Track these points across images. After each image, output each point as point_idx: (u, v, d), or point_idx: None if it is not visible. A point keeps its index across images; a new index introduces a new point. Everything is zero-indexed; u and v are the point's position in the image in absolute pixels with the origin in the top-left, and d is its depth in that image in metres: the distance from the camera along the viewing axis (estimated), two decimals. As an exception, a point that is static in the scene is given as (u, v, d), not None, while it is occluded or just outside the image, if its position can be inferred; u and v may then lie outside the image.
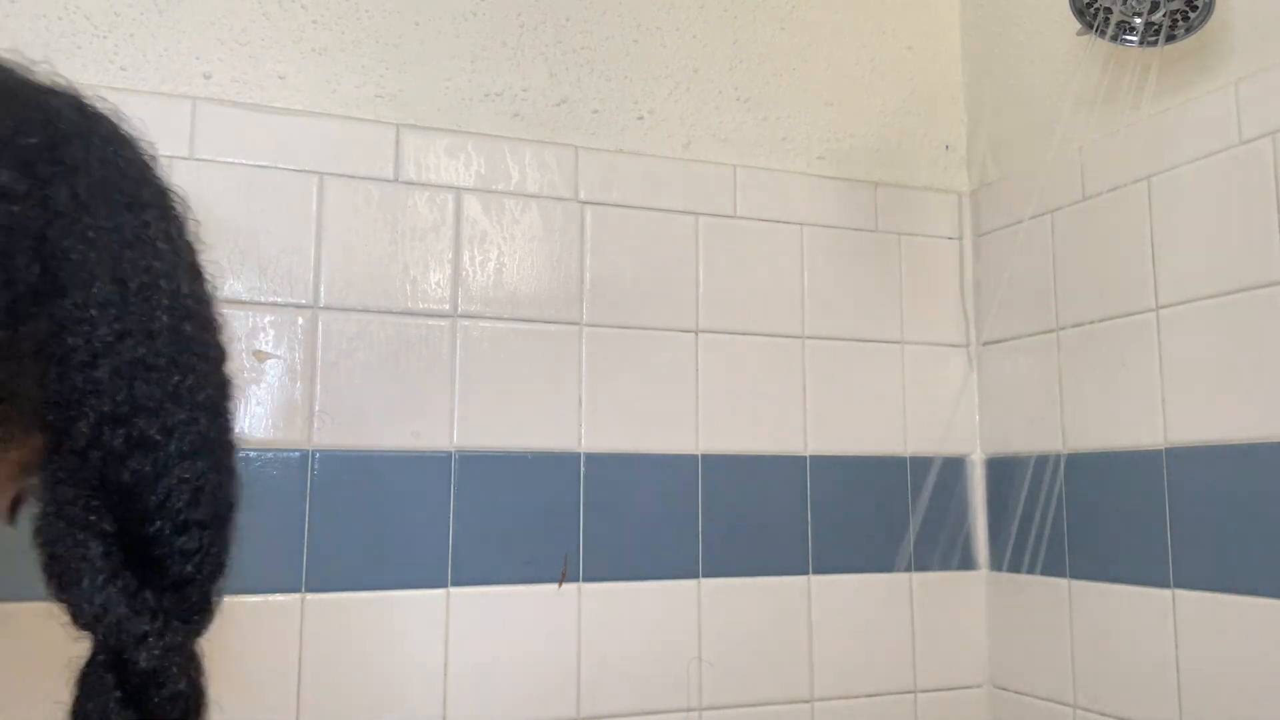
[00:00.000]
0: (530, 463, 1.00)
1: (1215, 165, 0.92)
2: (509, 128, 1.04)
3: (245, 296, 0.92)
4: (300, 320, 0.94)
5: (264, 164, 0.94)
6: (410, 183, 0.99)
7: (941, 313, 1.21)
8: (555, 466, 1.01)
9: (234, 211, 0.93)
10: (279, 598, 0.90)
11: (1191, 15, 0.90)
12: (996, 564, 1.16)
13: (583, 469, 1.02)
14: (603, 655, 1.01)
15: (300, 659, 0.90)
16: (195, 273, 0.47)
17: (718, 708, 1.05)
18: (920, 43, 1.25)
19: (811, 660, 1.09)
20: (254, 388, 0.92)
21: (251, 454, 0.91)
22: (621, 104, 1.10)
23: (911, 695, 1.13)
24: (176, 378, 0.43)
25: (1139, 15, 0.92)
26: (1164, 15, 0.91)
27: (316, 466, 0.92)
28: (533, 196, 1.04)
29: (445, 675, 0.95)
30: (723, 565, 1.06)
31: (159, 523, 0.43)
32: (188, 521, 0.43)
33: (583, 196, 1.06)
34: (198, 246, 0.47)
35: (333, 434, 0.93)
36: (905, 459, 1.16)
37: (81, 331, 0.41)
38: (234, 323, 0.91)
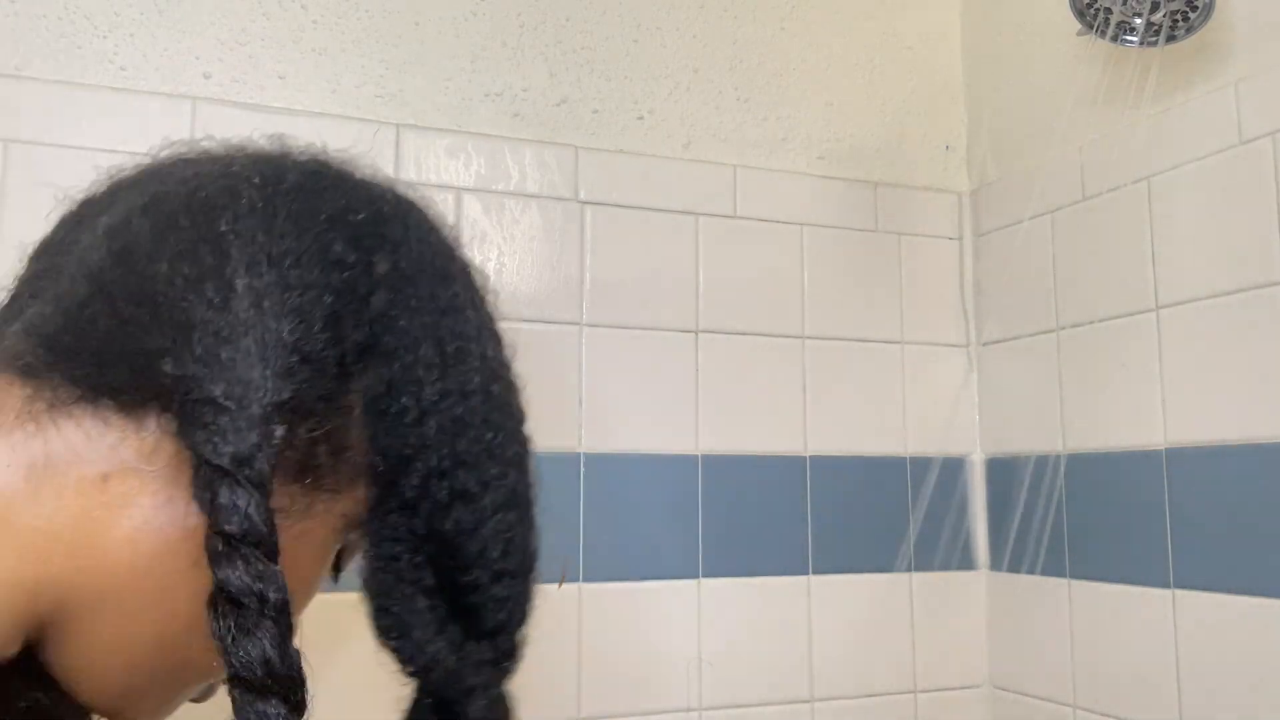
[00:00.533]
0: (530, 463, 1.00)
1: (1215, 165, 0.92)
2: (509, 128, 1.04)
3: (245, 296, 0.92)
4: (300, 320, 0.94)
5: (264, 164, 0.94)
6: (410, 182, 0.99)
7: (941, 313, 1.21)
8: (555, 467, 1.01)
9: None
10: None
11: (1191, 15, 0.90)
12: (996, 564, 1.16)
13: (582, 469, 1.02)
14: (602, 656, 1.01)
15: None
16: (498, 339, 0.50)
17: (718, 708, 1.05)
18: (920, 43, 1.25)
19: (811, 660, 1.09)
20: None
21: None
22: (621, 104, 1.10)
23: (911, 695, 1.13)
24: (489, 434, 0.47)
25: (1139, 15, 0.92)
26: (1164, 15, 0.91)
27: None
28: (533, 196, 1.04)
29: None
30: (723, 565, 1.06)
31: (476, 572, 0.46)
32: (501, 571, 0.47)
33: (583, 196, 1.06)
34: (497, 315, 0.51)
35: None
36: (905, 459, 1.16)
37: (411, 391, 0.45)
38: (234, 323, 0.91)
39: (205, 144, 0.51)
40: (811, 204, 1.15)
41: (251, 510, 0.38)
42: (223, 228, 0.43)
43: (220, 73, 0.95)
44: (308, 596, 0.46)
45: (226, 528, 0.38)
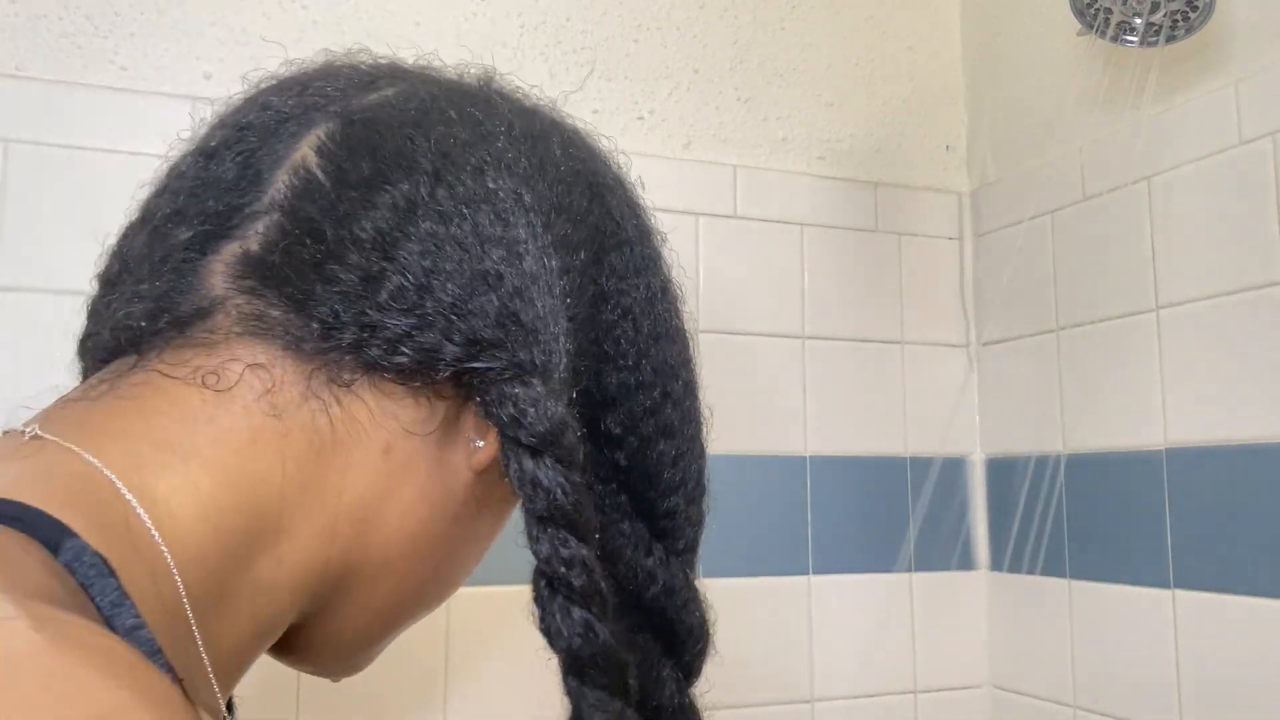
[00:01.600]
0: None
1: (1215, 165, 0.92)
2: (509, 128, 1.04)
3: (245, 296, 0.92)
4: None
5: (264, 164, 0.94)
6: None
7: (941, 313, 1.21)
8: (555, 466, 1.01)
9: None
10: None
11: (1191, 15, 0.90)
12: (996, 564, 1.16)
13: (583, 469, 1.02)
14: (603, 655, 1.01)
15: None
16: (673, 280, 0.53)
17: (718, 708, 1.04)
18: (920, 43, 1.25)
19: (811, 660, 1.09)
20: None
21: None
22: (621, 104, 1.10)
23: (912, 695, 1.13)
24: (685, 373, 0.51)
25: (1139, 15, 0.92)
26: (1164, 15, 0.91)
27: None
28: (533, 196, 1.04)
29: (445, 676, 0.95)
30: (723, 565, 1.06)
31: (674, 498, 0.50)
32: (694, 495, 0.50)
33: (583, 196, 1.06)
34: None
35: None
36: (905, 459, 1.16)
37: (627, 334, 0.48)
38: (234, 323, 0.91)
39: (358, 62, 0.49)
40: (811, 204, 1.15)
41: (560, 490, 0.39)
42: (490, 185, 0.42)
43: (220, 73, 0.95)
44: None
45: (534, 507, 0.39)
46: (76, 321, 0.82)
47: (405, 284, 0.39)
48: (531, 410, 0.39)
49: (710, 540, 1.05)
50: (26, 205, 0.86)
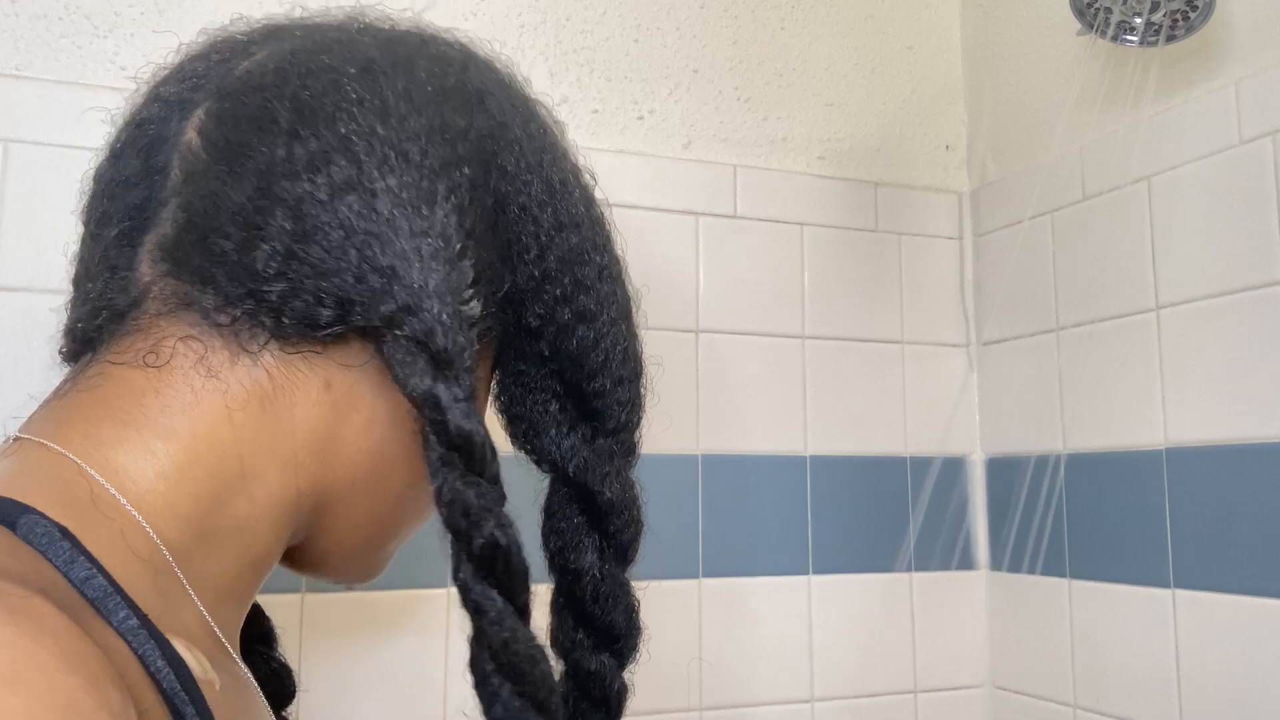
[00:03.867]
0: (530, 464, 1.00)
1: (1215, 165, 0.92)
2: (509, 128, 1.04)
3: (245, 296, 0.92)
4: (300, 320, 0.94)
5: (264, 164, 0.94)
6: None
7: (941, 313, 1.21)
8: (555, 466, 1.01)
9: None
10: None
11: (1191, 15, 0.90)
12: (996, 564, 1.16)
13: (583, 469, 1.02)
14: (603, 655, 1.01)
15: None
16: (578, 166, 0.54)
17: (718, 708, 1.05)
18: (920, 43, 1.25)
19: (811, 660, 1.09)
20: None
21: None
22: (621, 104, 1.10)
23: (911, 695, 1.13)
24: (598, 258, 0.51)
25: (1139, 15, 0.92)
26: (1164, 15, 0.91)
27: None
28: (533, 196, 1.04)
29: (447, 675, 0.95)
30: (723, 565, 1.06)
31: (600, 380, 0.51)
32: (621, 377, 0.52)
33: (583, 196, 1.06)
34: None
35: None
36: (905, 459, 1.16)
37: (530, 231, 0.48)
38: (234, 323, 0.91)
39: (238, 29, 0.51)
40: (811, 204, 1.15)
41: (455, 412, 0.41)
42: (342, 130, 0.43)
43: (220, 73, 0.95)
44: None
45: (431, 455, 0.41)
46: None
47: (274, 251, 0.42)
48: (410, 364, 0.41)
49: (711, 540, 1.06)
50: (26, 205, 0.86)
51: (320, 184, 0.42)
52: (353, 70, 0.46)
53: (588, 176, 0.54)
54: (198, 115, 0.46)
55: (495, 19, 1.06)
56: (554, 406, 0.52)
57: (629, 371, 0.52)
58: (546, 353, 0.51)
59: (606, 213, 0.56)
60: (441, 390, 0.40)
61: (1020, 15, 1.18)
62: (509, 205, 0.48)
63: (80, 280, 0.48)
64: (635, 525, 0.54)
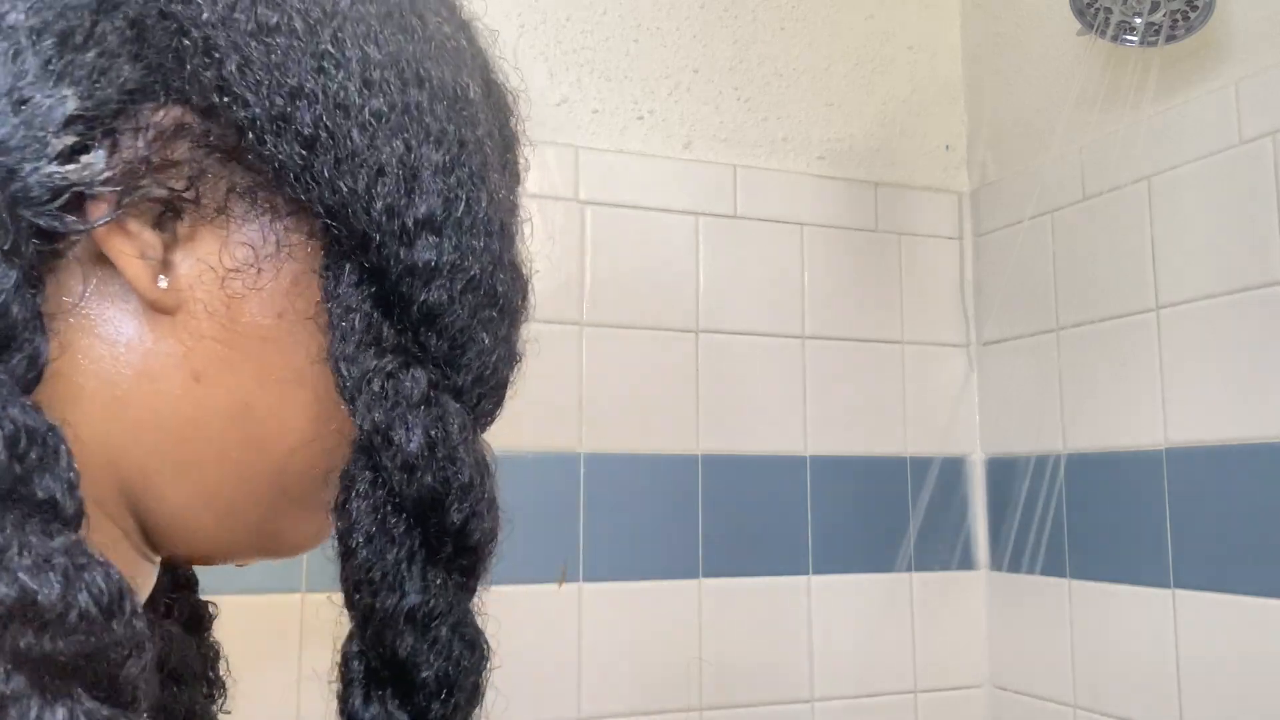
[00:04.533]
0: (530, 463, 1.00)
1: (1215, 165, 0.92)
2: (509, 128, 1.04)
3: (245, 296, 0.92)
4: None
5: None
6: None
7: (941, 313, 1.21)
8: (555, 467, 1.01)
9: None
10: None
11: (1191, 15, 0.90)
12: (996, 564, 1.16)
13: (583, 470, 1.02)
14: (603, 656, 1.01)
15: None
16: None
17: (718, 708, 1.05)
18: (920, 42, 1.25)
19: (811, 660, 1.09)
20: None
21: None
22: (621, 104, 1.10)
23: (912, 695, 1.13)
24: (393, 81, 0.34)
25: (1139, 15, 0.92)
26: (1164, 15, 0.91)
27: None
28: (533, 196, 1.03)
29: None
30: (723, 565, 1.06)
31: (380, 234, 0.33)
32: (410, 225, 0.34)
33: (583, 196, 1.06)
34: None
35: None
36: (905, 459, 1.16)
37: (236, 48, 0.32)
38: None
39: None
40: (811, 204, 1.15)
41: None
42: None
43: (220, 73, 0.95)
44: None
45: None
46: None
47: None
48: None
49: (711, 540, 1.06)
50: (26, 205, 0.86)
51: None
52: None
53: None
54: None
55: (495, 19, 1.05)
56: (356, 312, 0.33)
57: (422, 215, 0.34)
58: (338, 236, 0.33)
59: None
60: None
61: (1020, 15, 1.18)
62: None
63: None
64: (467, 500, 0.34)
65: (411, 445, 0.33)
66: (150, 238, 0.32)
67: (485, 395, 0.36)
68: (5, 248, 0.28)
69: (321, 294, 0.34)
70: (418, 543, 0.34)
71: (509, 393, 0.38)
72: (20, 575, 0.25)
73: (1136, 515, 0.97)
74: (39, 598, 0.25)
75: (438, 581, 0.34)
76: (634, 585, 1.03)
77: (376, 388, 0.33)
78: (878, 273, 1.18)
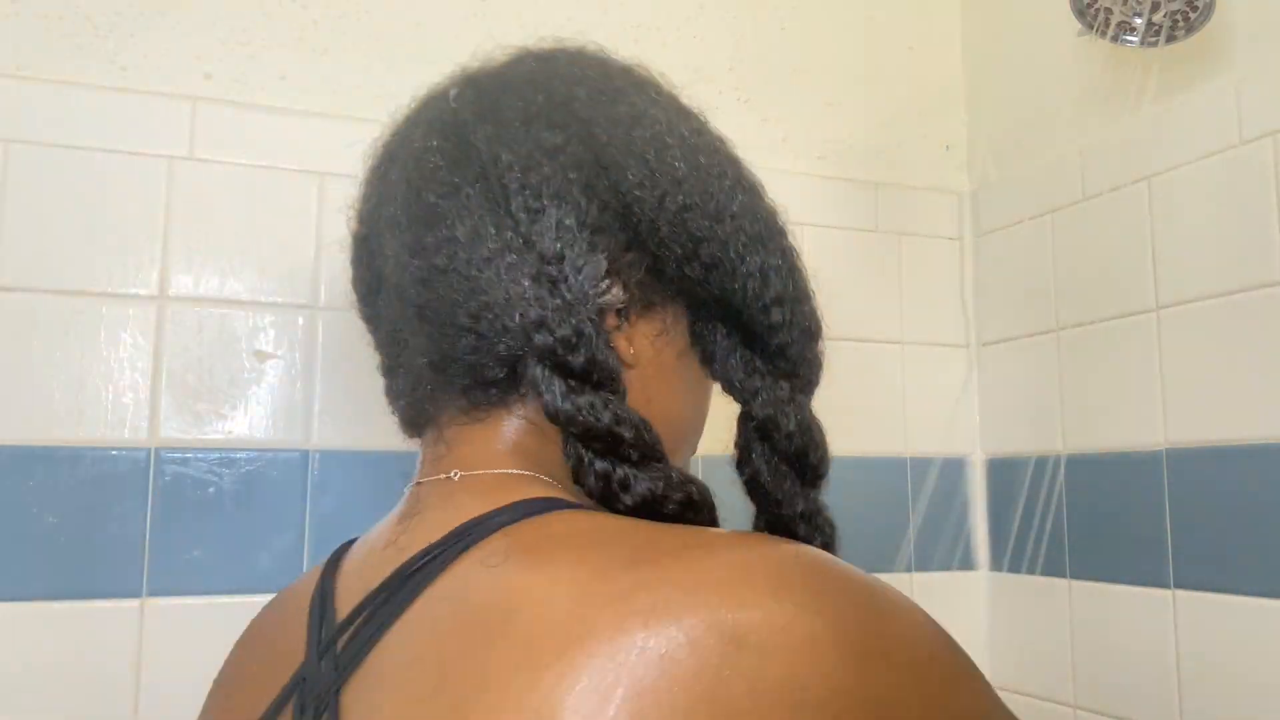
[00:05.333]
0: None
1: (1215, 165, 0.92)
2: (509, 128, 1.04)
3: (245, 296, 0.92)
4: (300, 320, 0.94)
5: (264, 164, 0.94)
6: (410, 183, 0.99)
7: (941, 313, 1.21)
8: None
9: (234, 211, 0.93)
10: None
11: (1192, 15, 0.90)
12: (996, 564, 1.16)
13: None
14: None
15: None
16: (686, 115, 0.65)
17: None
18: (920, 43, 1.25)
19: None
20: (254, 388, 0.92)
21: (251, 454, 0.91)
22: (621, 104, 1.09)
23: (911, 695, 1.13)
24: (710, 205, 0.56)
25: (1139, 15, 0.92)
26: (1164, 15, 0.91)
27: (316, 467, 0.92)
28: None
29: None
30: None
31: (752, 312, 0.58)
32: (768, 304, 0.58)
33: (583, 196, 1.05)
34: (677, 102, 0.65)
35: (333, 434, 0.93)
36: (905, 459, 1.16)
37: (639, 204, 0.55)
38: (234, 323, 0.91)
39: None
40: (812, 204, 1.15)
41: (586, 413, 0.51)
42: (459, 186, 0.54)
43: (221, 73, 0.95)
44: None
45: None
46: (77, 321, 0.83)
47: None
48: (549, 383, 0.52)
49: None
50: (26, 205, 0.86)
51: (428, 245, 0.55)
52: (434, 143, 0.57)
53: (699, 136, 0.59)
54: None
55: (496, 19, 1.06)
56: (736, 352, 0.59)
57: (774, 296, 0.58)
58: (705, 305, 0.58)
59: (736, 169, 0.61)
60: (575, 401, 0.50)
61: (1020, 15, 1.18)
62: (618, 189, 0.54)
63: None
64: (816, 449, 0.59)
65: (791, 425, 0.59)
66: (627, 326, 0.56)
67: (814, 386, 0.63)
68: (606, 343, 0.52)
69: (704, 347, 0.60)
70: (795, 474, 0.59)
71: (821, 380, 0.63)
72: (669, 476, 0.51)
73: (1136, 515, 0.97)
74: (677, 492, 0.51)
75: (810, 494, 0.59)
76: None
77: (765, 397, 0.59)
78: (878, 273, 1.18)
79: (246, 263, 0.93)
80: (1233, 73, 0.91)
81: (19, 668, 0.82)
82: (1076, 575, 1.04)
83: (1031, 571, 1.10)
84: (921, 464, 1.16)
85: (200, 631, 0.86)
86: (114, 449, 0.87)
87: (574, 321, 0.50)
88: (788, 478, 0.59)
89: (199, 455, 0.89)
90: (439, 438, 0.55)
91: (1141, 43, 0.93)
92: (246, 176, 0.93)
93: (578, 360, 0.49)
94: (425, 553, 0.46)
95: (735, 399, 0.60)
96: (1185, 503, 0.93)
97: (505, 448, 0.53)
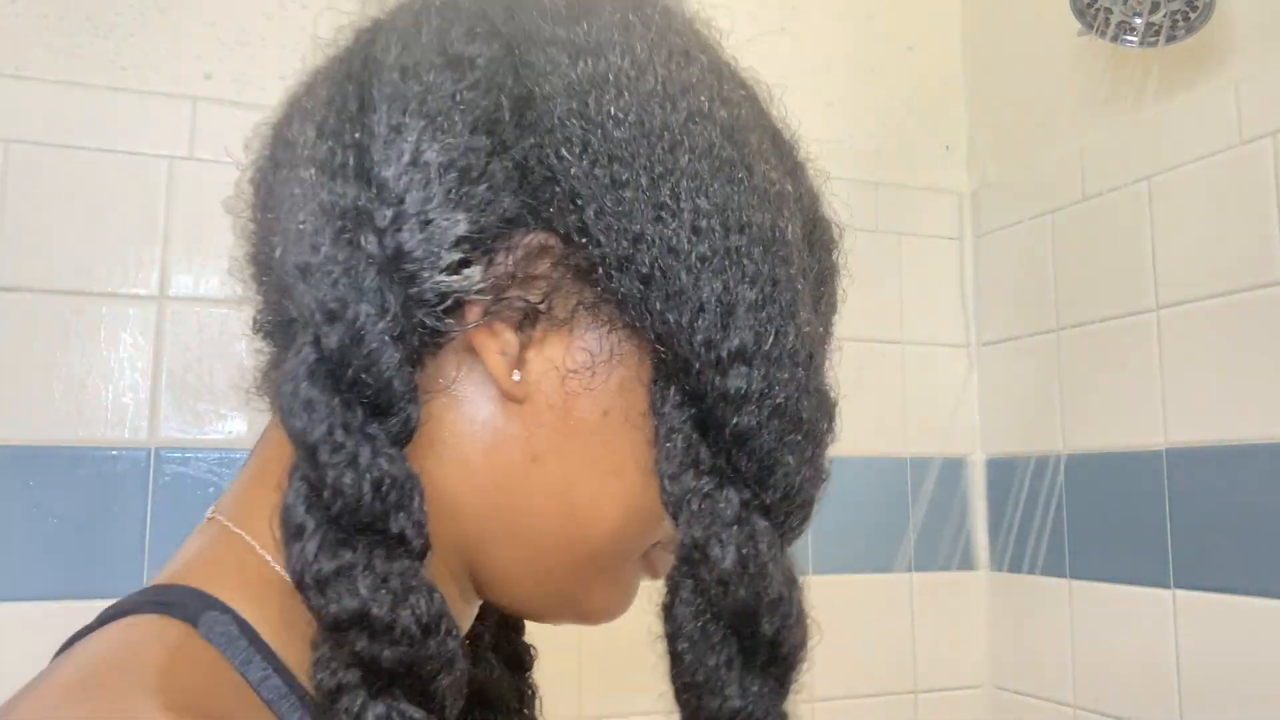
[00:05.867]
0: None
1: (1215, 165, 0.92)
2: (509, 128, 1.04)
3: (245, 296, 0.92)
4: (300, 320, 0.94)
5: (264, 164, 0.94)
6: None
7: (941, 313, 1.21)
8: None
9: (234, 211, 0.93)
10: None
11: (1192, 15, 0.90)
12: (996, 564, 1.16)
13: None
14: (603, 656, 1.01)
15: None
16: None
17: (718, 708, 1.05)
18: (920, 43, 1.25)
19: (812, 660, 1.09)
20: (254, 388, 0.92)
21: (252, 454, 0.91)
22: (621, 104, 1.09)
23: (912, 695, 1.13)
24: (703, 221, 0.38)
25: (1139, 15, 0.92)
26: (1164, 15, 0.91)
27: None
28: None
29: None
30: (723, 565, 1.06)
31: (699, 363, 0.37)
32: (724, 357, 0.37)
33: (583, 196, 1.06)
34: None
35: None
36: (905, 459, 1.16)
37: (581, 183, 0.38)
38: (234, 323, 0.91)
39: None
40: (811, 204, 1.15)
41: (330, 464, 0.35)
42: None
43: (221, 73, 0.95)
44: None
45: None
46: (77, 321, 0.83)
47: None
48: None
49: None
50: (26, 205, 0.86)
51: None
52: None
53: (676, 76, 0.39)
54: None
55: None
56: (681, 431, 0.38)
57: (736, 348, 0.37)
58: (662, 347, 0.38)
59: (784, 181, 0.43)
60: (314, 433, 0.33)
61: (1020, 15, 1.18)
62: (535, 143, 0.37)
63: None
64: (773, 613, 0.38)
65: (726, 562, 0.37)
66: (510, 338, 0.38)
67: (792, 513, 0.41)
68: (395, 334, 0.34)
69: (649, 408, 0.39)
70: (734, 650, 0.38)
71: (815, 510, 0.42)
72: (361, 591, 0.31)
73: (1136, 515, 0.97)
74: (372, 612, 0.31)
75: (754, 688, 0.38)
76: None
77: (695, 507, 0.37)
78: (878, 273, 1.18)
79: (246, 262, 0.93)
80: (1233, 73, 0.91)
81: (19, 668, 0.82)
82: (1076, 575, 1.04)
83: (1031, 571, 1.10)
84: (921, 464, 1.16)
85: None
86: (114, 449, 0.87)
87: (345, 283, 0.34)
88: (719, 651, 0.37)
89: (199, 455, 0.89)
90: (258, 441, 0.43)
91: (1141, 43, 0.93)
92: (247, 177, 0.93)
93: (330, 339, 0.34)
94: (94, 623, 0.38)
95: (662, 506, 0.38)
96: (1185, 503, 0.93)
97: (263, 478, 0.39)
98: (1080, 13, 0.94)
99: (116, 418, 0.87)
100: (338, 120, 0.38)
